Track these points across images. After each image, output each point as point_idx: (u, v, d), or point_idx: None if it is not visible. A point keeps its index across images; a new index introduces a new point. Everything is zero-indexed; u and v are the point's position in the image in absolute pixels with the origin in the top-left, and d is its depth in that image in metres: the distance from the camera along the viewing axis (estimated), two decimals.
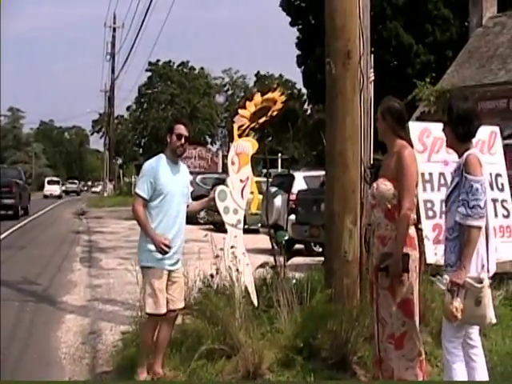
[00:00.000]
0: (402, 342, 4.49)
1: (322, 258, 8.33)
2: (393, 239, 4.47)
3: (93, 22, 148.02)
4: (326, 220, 6.44)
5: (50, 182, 63.90)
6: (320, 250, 12.73)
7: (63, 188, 69.41)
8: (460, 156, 4.27)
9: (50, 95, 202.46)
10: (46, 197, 54.33)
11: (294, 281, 6.64)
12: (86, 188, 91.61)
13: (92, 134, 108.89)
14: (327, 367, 5.20)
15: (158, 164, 5.29)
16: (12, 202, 24.50)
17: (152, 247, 5.17)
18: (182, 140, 5.33)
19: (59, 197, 59.25)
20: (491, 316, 4.15)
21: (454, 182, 4.23)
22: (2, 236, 17.86)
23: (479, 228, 4.06)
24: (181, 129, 5.34)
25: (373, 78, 7.13)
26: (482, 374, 4.26)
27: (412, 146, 4.66)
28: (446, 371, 4.29)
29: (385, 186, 4.53)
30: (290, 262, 7.63)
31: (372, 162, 7.03)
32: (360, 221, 6.12)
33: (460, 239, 4.12)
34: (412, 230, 4.52)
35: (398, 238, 4.42)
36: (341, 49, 6.23)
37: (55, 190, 62.12)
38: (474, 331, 4.30)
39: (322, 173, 13.29)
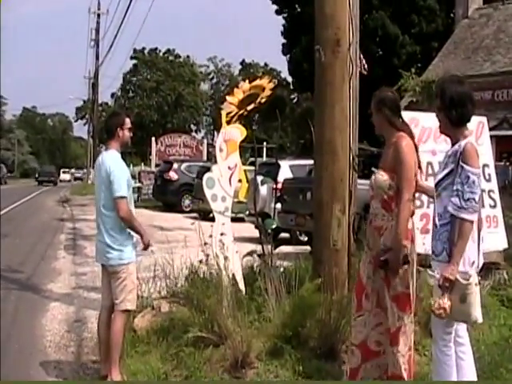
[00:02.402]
0: (398, 338, 4.42)
1: (308, 247, 8.32)
2: (389, 229, 4.41)
3: (77, 7, 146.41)
4: (315, 209, 6.41)
5: (64, 172, 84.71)
6: (306, 238, 12.74)
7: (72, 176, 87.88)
8: (454, 142, 4.13)
9: (33, 81, 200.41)
10: (60, 181, 73.38)
11: (282, 269, 6.60)
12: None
13: (76, 121, 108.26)
14: (316, 356, 5.19)
15: (122, 161, 5.29)
16: (53, 179, 67.12)
17: (131, 242, 5.20)
18: (131, 132, 5.42)
19: (69, 181, 76.75)
20: (477, 315, 4.03)
21: (448, 169, 4.08)
22: None
23: (472, 222, 3.94)
24: (129, 123, 5.40)
25: (366, 65, 7.06)
26: (469, 372, 4.20)
27: (412, 135, 4.55)
28: (436, 368, 4.23)
29: (381, 176, 4.47)
30: (277, 250, 7.59)
31: (358, 151, 6.99)
32: (348, 209, 6.10)
33: (448, 227, 4.02)
34: (411, 223, 4.45)
35: (397, 230, 4.31)
36: (330, 37, 6.18)
37: (67, 177, 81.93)
38: (462, 328, 4.23)
39: (308, 162, 13.30)
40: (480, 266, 4.21)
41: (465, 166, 3.95)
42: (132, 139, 5.49)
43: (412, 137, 4.55)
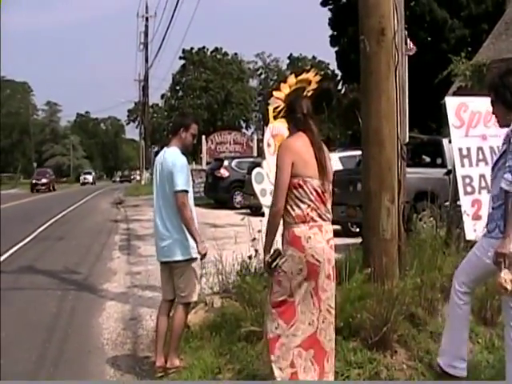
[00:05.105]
0: (274, 347, 4.10)
1: (360, 239, 8.25)
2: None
3: (125, 11, 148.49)
4: (364, 199, 6.37)
5: (137, 174, 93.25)
6: (357, 230, 12.65)
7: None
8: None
9: (86, 87, 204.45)
10: (137, 181, 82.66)
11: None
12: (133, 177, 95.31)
13: (128, 124, 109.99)
14: (367, 346, 5.15)
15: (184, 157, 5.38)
16: (129, 179, 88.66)
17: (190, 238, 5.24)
18: (195, 139, 5.54)
19: (140, 181, 79.28)
20: None
21: (502, 149, 4.11)
22: (41, 229, 18.16)
23: None
24: (196, 129, 5.49)
25: (415, 49, 6.97)
26: None
27: (310, 134, 4.17)
28: (451, 309, 4.44)
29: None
30: None
31: (407, 139, 6.91)
32: (398, 198, 6.04)
33: (503, 207, 3.99)
34: (300, 229, 4.06)
35: (265, 235, 4.12)
36: (374, 26, 6.12)
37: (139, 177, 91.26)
38: None
39: (358, 153, 13.18)
40: None
41: None
42: (192, 146, 5.59)
43: (310, 134, 4.17)
